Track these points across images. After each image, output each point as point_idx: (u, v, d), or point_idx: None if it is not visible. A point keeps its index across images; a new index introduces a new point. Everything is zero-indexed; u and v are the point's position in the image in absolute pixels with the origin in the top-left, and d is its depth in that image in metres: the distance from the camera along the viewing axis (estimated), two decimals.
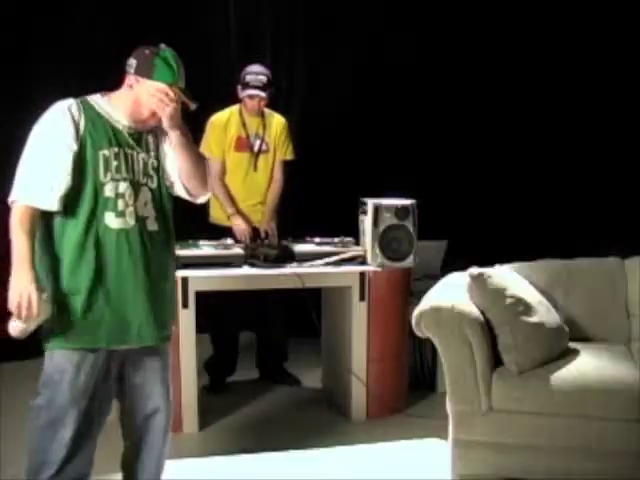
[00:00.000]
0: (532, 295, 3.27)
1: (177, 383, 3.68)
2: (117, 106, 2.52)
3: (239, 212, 4.34)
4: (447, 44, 5.39)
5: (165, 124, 2.50)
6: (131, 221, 2.47)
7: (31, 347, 5.26)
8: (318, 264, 3.93)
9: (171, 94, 2.47)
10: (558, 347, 3.21)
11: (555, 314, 3.31)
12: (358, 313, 3.90)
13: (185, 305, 3.66)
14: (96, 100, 2.52)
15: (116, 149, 2.48)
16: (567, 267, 3.68)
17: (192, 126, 4.41)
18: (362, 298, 3.89)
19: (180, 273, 3.70)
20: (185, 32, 5.39)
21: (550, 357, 3.14)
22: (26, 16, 5.01)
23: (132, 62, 2.50)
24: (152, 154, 2.58)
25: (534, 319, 3.11)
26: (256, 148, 4.34)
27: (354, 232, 4.16)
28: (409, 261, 4.01)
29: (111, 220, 2.45)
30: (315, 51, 5.48)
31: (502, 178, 5.41)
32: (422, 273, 4.38)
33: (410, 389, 4.21)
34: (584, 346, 3.34)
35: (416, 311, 3.15)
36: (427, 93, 5.36)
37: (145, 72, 2.48)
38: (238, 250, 3.97)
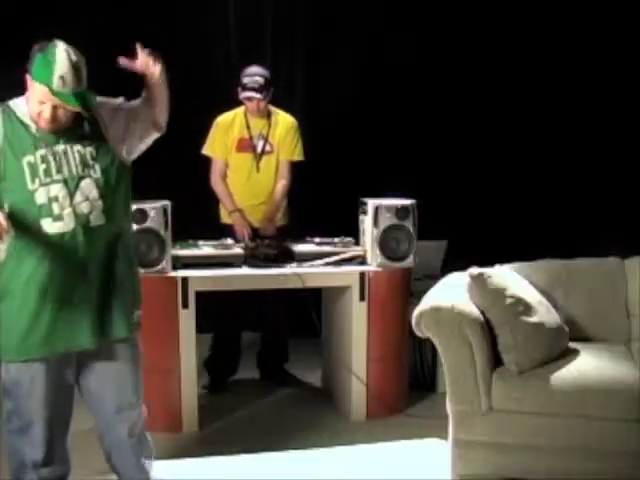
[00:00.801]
0: (532, 295, 3.27)
1: (177, 383, 3.69)
2: (30, 110, 2.43)
3: (239, 211, 4.34)
4: (447, 44, 5.38)
5: (139, 68, 2.51)
6: (71, 223, 2.40)
7: None
8: (318, 264, 3.93)
9: (45, 100, 2.35)
10: (558, 347, 3.21)
11: (555, 314, 3.31)
12: (358, 313, 3.90)
13: (185, 305, 3.67)
14: (17, 103, 2.45)
15: (42, 151, 2.39)
16: (567, 267, 3.68)
17: (194, 126, 4.46)
18: (362, 298, 3.89)
19: (180, 273, 3.71)
20: (185, 32, 5.40)
21: (550, 357, 3.13)
22: (26, 18, 5.02)
23: (29, 60, 2.39)
24: (88, 142, 2.47)
25: (534, 319, 3.11)
26: (259, 149, 4.34)
27: (354, 232, 4.16)
28: (409, 261, 4.01)
29: (49, 226, 2.38)
30: (315, 51, 5.48)
31: (502, 178, 5.40)
32: (422, 273, 4.38)
33: (410, 389, 4.21)
34: (584, 346, 3.34)
35: (416, 311, 3.15)
36: (427, 93, 5.36)
37: (31, 71, 2.38)
38: (238, 250, 3.97)
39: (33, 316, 2.40)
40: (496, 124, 5.43)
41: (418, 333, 3.17)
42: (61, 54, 2.34)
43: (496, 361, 3.08)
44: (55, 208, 2.38)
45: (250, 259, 3.90)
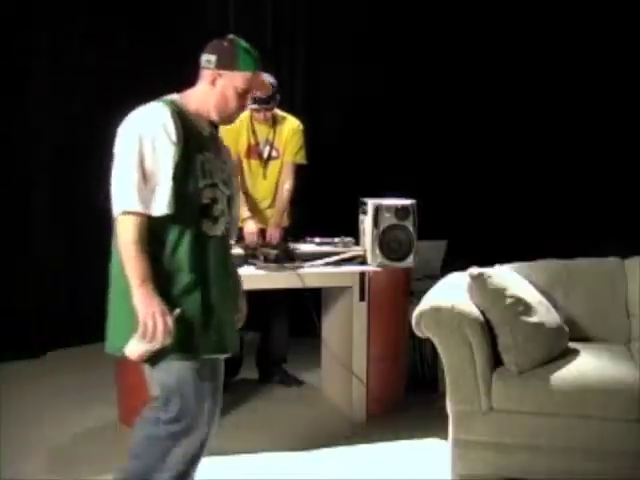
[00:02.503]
0: (532, 295, 3.27)
1: None
2: (200, 107, 2.43)
3: (252, 218, 4.32)
4: (448, 44, 5.39)
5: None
6: (222, 227, 2.42)
7: (31, 347, 5.29)
8: (318, 264, 3.93)
9: (262, 79, 2.48)
10: (558, 347, 3.21)
11: (555, 314, 3.31)
12: (358, 313, 3.90)
13: None
14: (181, 102, 2.43)
15: (206, 154, 2.39)
16: (567, 267, 3.68)
17: None
18: (362, 298, 3.89)
19: None
20: (185, 32, 5.41)
21: (550, 357, 3.13)
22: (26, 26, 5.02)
23: (211, 57, 2.42)
24: (223, 159, 2.50)
25: (534, 319, 3.11)
26: (265, 155, 4.34)
27: (354, 232, 4.17)
28: (409, 261, 4.01)
29: (207, 227, 2.37)
30: (315, 51, 5.48)
31: (502, 178, 5.41)
32: (422, 273, 4.38)
33: (410, 389, 4.21)
34: (584, 346, 3.34)
35: (416, 311, 3.15)
36: (428, 93, 5.36)
37: (229, 64, 2.40)
38: (238, 250, 3.97)
39: (197, 315, 2.34)
40: (496, 124, 5.44)
41: (418, 333, 3.17)
42: (245, 43, 2.45)
43: (496, 361, 3.08)
44: (215, 210, 2.38)
45: (250, 259, 3.90)
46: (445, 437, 3.21)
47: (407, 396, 4.15)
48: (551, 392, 2.99)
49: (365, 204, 4.04)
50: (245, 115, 4.32)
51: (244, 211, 4.27)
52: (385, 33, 5.42)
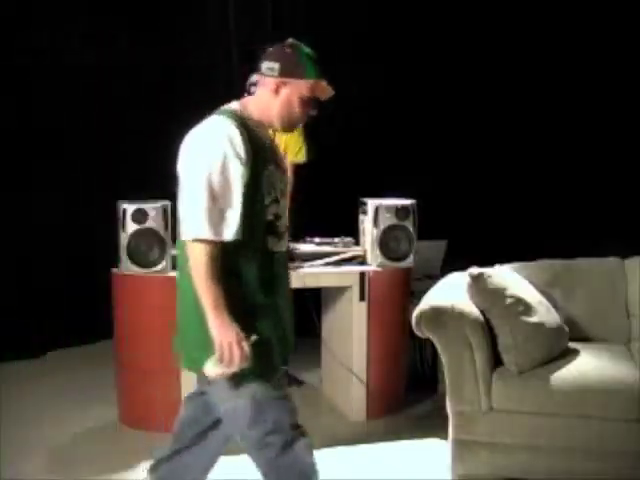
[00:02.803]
0: (532, 295, 3.27)
1: (177, 383, 3.68)
2: (262, 115, 2.36)
3: None
4: (447, 43, 5.39)
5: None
6: (286, 242, 2.38)
7: (31, 347, 5.29)
8: (318, 264, 3.93)
9: (324, 85, 2.40)
10: (558, 347, 3.21)
11: (555, 314, 3.31)
12: (358, 313, 3.90)
13: None
14: (243, 113, 2.33)
15: (270, 167, 2.31)
16: (567, 267, 3.68)
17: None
18: (362, 298, 3.89)
19: None
20: (185, 32, 5.41)
21: (550, 357, 3.14)
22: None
23: (273, 65, 2.31)
24: (283, 168, 2.42)
25: (534, 319, 3.11)
26: None
27: (354, 232, 4.16)
28: (409, 261, 4.01)
29: (274, 244, 2.31)
30: (315, 51, 5.48)
31: (502, 178, 5.41)
32: (422, 273, 4.38)
33: (410, 389, 4.21)
34: (584, 346, 3.34)
35: (416, 311, 3.15)
36: (428, 93, 5.36)
37: (294, 72, 2.33)
38: None
39: (281, 330, 2.35)
40: (496, 124, 5.44)
41: (418, 333, 3.17)
42: (307, 48, 2.38)
43: (496, 361, 3.08)
44: (279, 226, 2.32)
45: None
46: (445, 437, 3.21)
47: (407, 396, 4.15)
48: (551, 392, 2.99)
49: (365, 204, 4.04)
50: None
51: None
52: (385, 33, 5.42)
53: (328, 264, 3.95)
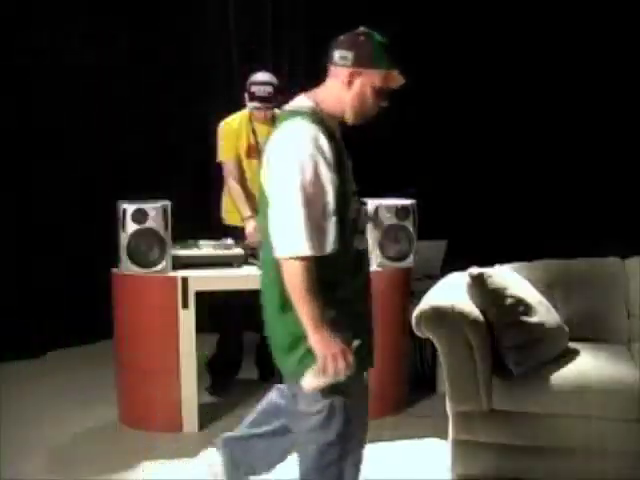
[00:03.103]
0: (532, 295, 3.27)
1: (177, 383, 3.69)
2: (334, 108, 2.27)
3: (253, 217, 4.31)
4: (447, 43, 5.38)
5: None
6: (366, 240, 2.36)
7: (31, 347, 5.29)
8: None
9: (396, 74, 2.30)
10: (558, 347, 3.21)
11: (555, 314, 3.31)
12: None
13: (185, 305, 3.66)
14: (319, 111, 2.24)
15: (347, 163, 2.25)
16: (567, 267, 3.68)
17: (194, 126, 4.45)
18: None
19: (180, 273, 3.71)
20: (185, 32, 5.41)
21: (550, 357, 3.13)
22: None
23: (347, 54, 2.22)
24: (350, 161, 2.32)
25: (534, 319, 3.11)
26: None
27: None
28: (409, 261, 4.01)
29: (359, 242, 2.28)
30: (315, 51, 5.48)
31: (502, 178, 5.41)
32: (422, 273, 4.38)
33: (410, 389, 4.21)
34: (584, 346, 3.33)
35: (416, 311, 3.14)
36: (428, 93, 5.35)
37: (368, 62, 2.23)
38: (238, 250, 3.97)
39: (368, 333, 2.36)
40: (496, 124, 5.43)
41: (418, 333, 3.17)
42: (379, 36, 2.27)
43: (496, 361, 3.08)
44: (360, 224, 2.30)
45: (251, 259, 3.90)
46: (445, 437, 3.21)
47: (407, 396, 4.15)
48: (551, 392, 2.99)
49: (365, 204, 4.03)
50: (244, 114, 4.32)
51: (246, 210, 4.27)
52: (385, 33, 5.41)
53: None
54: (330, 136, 2.17)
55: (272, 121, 4.34)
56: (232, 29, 5.47)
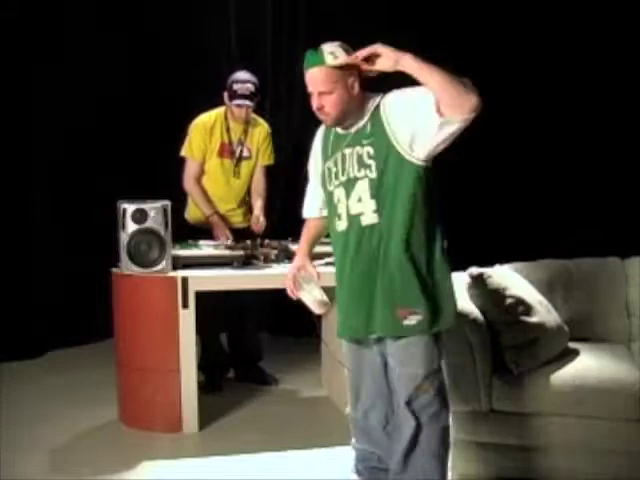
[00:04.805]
0: (532, 295, 3.27)
1: (177, 383, 3.69)
2: None
3: (217, 214, 4.34)
4: (447, 42, 5.37)
5: (389, 67, 2.57)
6: (345, 222, 2.58)
7: (31, 347, 5.30)
8: (318, 264, 3.92)
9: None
10: (558, 347, 3.21)
11: (555, 314, 3.31)
12: None
13: (185, 305, 3.66)
14: None
15: (337, 155, 2.59)
16: (567, 267, 3.68)
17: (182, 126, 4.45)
18: None
19: (180, 273, 3.71)
20: (185, 32, 5.41)
21: (550, 357, 3.13)
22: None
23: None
24: (368, 140, 2.55)
25: (534, 319, 3.11)
26: (237, 154, 4.36)
27: None
28: None
29: (338, 224, 2.61)
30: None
31: (502, 178, 5.40)
32: None
33: None
34: (584, 346, 3.33)
35: None
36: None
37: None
38: (238, 250, 3.97)
39: (342, 302, 2.70)
40: (496, 124, 5.40)
41: None
42: None
43: (496, 361, 3.08)
44: (339, 208, 2.59)
45: (250, 259, 3.90)
46: None
47: None
48: (551, 392, 2.98)
49: None
50: (219, 112, 4.32)
51: (208, 208, 4.31)
52: (385, 33, 5.41)
53: (328, 264, 3.95)
54: (327, 130, 2.75)
55: (246, 122, 4.35)
56: (232, 29, 5.48)
